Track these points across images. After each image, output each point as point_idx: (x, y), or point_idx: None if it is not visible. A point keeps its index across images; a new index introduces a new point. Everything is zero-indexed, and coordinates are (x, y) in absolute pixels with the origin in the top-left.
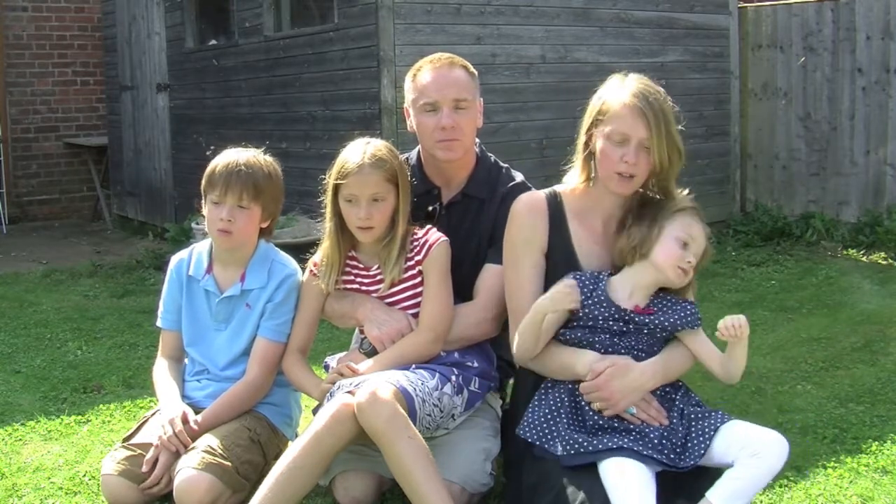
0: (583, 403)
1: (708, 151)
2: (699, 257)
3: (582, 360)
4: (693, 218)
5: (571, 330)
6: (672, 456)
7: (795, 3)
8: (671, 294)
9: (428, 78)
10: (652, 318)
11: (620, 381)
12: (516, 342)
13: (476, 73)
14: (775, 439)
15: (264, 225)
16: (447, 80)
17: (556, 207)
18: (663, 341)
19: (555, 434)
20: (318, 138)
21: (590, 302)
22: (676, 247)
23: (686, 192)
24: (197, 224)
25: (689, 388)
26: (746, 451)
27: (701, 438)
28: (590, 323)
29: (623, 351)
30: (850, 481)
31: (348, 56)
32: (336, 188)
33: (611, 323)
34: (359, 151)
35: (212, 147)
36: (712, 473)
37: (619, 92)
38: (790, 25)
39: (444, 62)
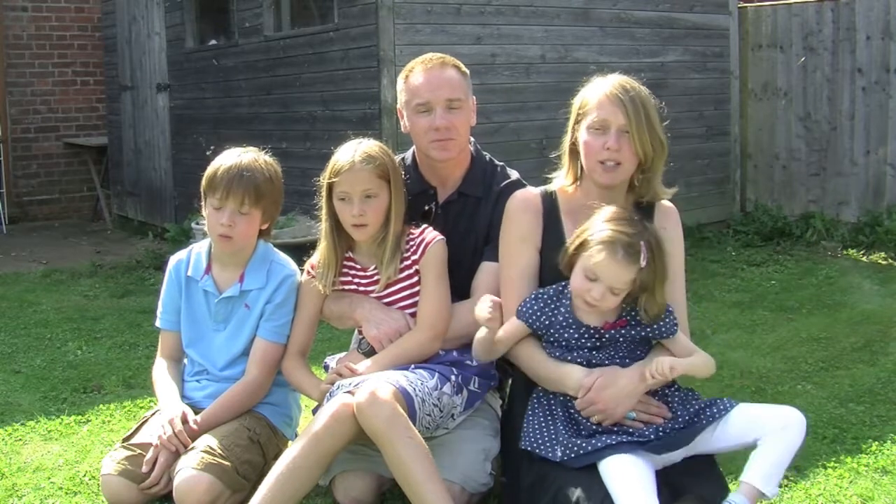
0: (576, 415)
1: (708, 151)
2: (619, 289)
3: (571, 378)
4: (609, 252)
5: (551, 348)
6: (672, 433)
7: (795, 3)
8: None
9: (420, 79)
10: (625, 330)
11: (611, 390)
12: (474, 347)
13: (468, 72)
14: (797, 412)
15: (264, 227)
16: (439, 81)
17: (550, 205)
18: (647, 344)
19: (553, 440)
20: (318, 138)
21: (556, 325)
22: (583, 279)
23: (674, 189)
24: (197, 224)
25: (684, 388)
26: (775, 423)
27: (710, 419)
28: (563, 343)
29: (606, 362)
30: (850, 481)
31: (348, 56)
32: (330, 188)
33: (583, 341)
34: (350, 150)
35: (212, 147)
36: (706, 473)
37: (598, 86)
38: (790, 25)
39: (436, 62)
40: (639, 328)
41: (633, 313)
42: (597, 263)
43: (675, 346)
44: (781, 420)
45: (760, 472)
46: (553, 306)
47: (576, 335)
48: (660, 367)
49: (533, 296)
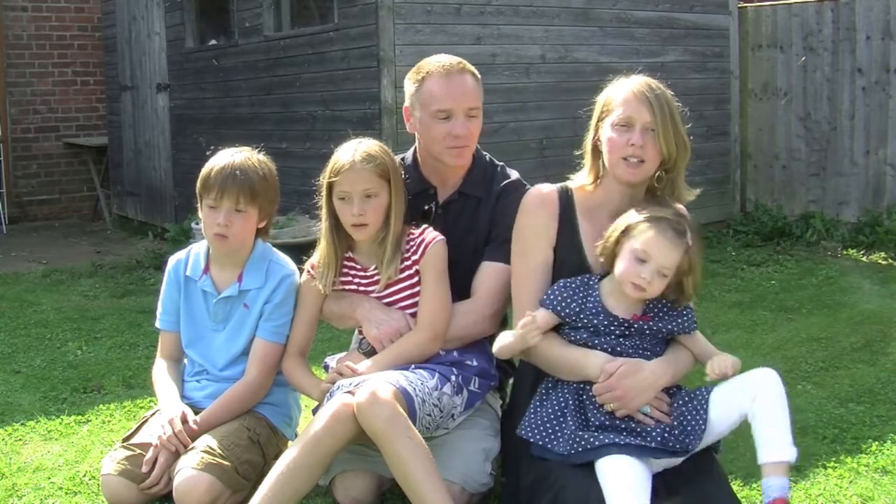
0: (588, 404)
1: (708, 151)
2: (668, 270)
3: (593, 362)
4: (658, 230)
5: (576, 331)
6: (676, 444)
7: (795, 3)
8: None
9: (442, 84)
10: (651, 324)
11: (633, 379)
12: (497, 346)
13: (479, 75)
14: (767, 370)
15: (261, 225)
16: (462, 89)
17: (566, 202)
18: (665, 341)
19: (559, 434)
20: (318, 138)
21: (586, 312)
22: (632, 261)
23: (698, 191)
24: (196, 224)
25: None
26: (752, 391)
27: (697, 417)
28: (591, 328)
29: (630, 351)
30: (850, 481)
31: (348, 56)
32: (330, 188)
33: (612, 328)
34: (350, 150)
35: (212, 147)
36: (706, 472)
37: (624, 85)
38: (790, 25)
39: (456, 68)
40: (663, 322)
41: (656, 308)
42: (647, 241)
43: (695, 343)
44: (756, 386)
45: (771, 445)
46: (582, 295)
47: (605, 321)
48: (722, 365)
49: (561, 284)
